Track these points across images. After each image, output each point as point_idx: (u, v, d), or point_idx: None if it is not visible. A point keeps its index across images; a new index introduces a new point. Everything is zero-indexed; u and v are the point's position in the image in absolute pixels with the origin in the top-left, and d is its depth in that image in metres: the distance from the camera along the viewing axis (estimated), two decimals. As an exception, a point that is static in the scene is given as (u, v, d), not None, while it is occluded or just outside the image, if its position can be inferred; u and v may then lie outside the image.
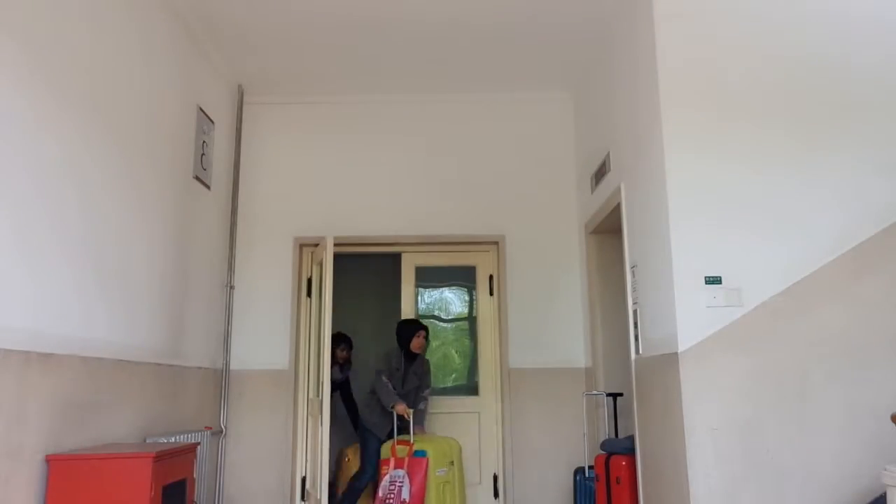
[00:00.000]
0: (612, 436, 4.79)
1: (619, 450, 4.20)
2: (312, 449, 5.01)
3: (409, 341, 4.98)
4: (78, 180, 3.17)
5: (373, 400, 5.00)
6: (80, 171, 3.18)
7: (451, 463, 4.73)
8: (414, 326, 5.04)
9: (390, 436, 4.84)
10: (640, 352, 3.90)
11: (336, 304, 7.33)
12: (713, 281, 3.37)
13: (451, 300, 5.56)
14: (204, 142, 4.77)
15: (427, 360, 5.17)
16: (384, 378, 4.90)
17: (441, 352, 5.43)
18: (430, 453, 4.63)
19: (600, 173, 4.71)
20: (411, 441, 4.70)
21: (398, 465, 4.63)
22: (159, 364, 3.99)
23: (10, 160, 2.70)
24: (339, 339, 5.80)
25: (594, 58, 4.89)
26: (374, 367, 5.07)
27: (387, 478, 4.61)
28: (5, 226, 2.66)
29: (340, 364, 5.81)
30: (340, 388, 5.90)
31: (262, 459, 5.10)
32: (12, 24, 2.71)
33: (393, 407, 4.78)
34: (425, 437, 4.85)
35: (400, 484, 4.56)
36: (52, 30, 2.98)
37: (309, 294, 5.41)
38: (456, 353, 5.51)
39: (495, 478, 5.22)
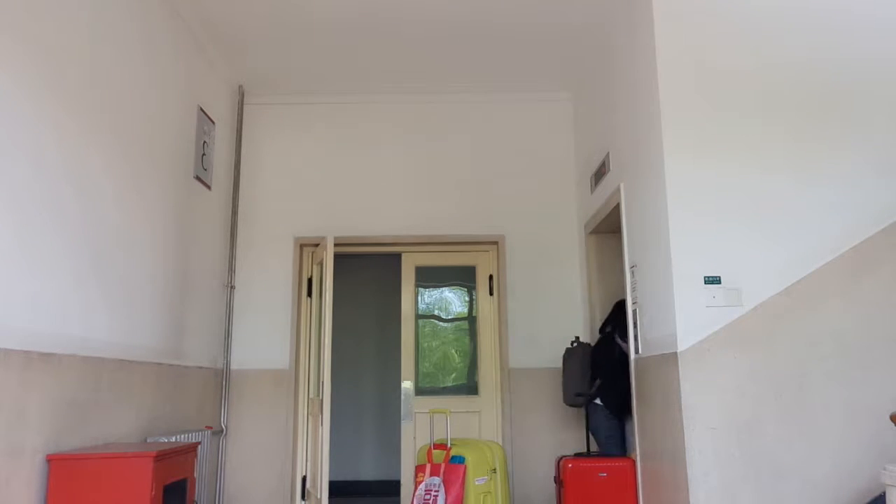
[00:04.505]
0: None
1: (618, 449, 4.21)
2: (313, 449, 5.01)
3: None
4: (79, 180, 3.18)
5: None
6: (81, 170, 3.19)
7: (494, 471, 4.35)
8: None
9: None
10: (640, 351, 3.91)
11: (336, 304, 7.35)
12: (712, 281, 3.38)
13: (451, 300, 5.57)
14: (204, 142, 4.77)
15: None
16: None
17: (441, 351, 5.43)
18: (469, 460, 4.26)
19: (600, 173, 4.71)
20: (448, 445, 4.35)
21: (434, 472, 4.27)
22: (160, 364, 4.00)
23: (12, 160, 2.70)
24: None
25: (594, 58, 4.89)
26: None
27: (422, 486, 4.29)
28: (6, 225, 2.66)
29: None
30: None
31: (262, 459, 5.11)
32: (14, 23, 2.72)
33: None
34: (466, 442, 4.49)
35: (435, 493, 4.21)
36: (55, 30, 2.99)
37: (309, 294, 5.42)
38: (456, 352, 5.51)
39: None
